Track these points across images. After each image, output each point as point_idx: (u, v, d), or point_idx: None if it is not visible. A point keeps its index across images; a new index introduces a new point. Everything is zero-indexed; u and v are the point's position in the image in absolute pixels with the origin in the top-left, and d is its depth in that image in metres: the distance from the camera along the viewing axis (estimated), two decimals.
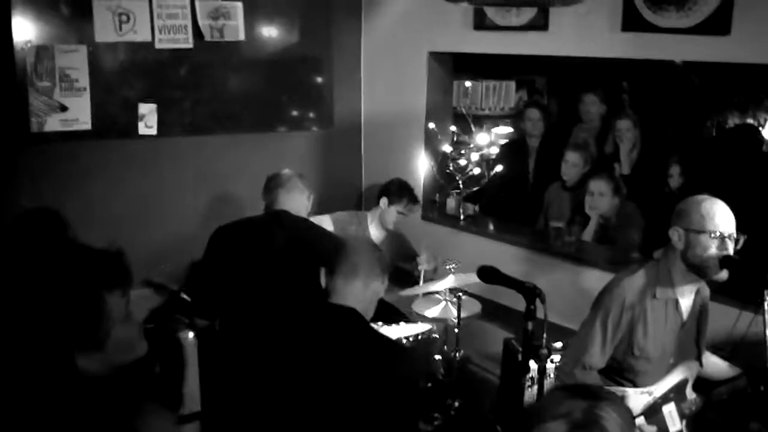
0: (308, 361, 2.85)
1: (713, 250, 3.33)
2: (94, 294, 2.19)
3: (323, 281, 3.10)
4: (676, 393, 3.55)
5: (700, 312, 3.69)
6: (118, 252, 2.36)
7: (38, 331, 2.16)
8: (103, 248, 2.36)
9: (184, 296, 4.19)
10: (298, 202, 4.37)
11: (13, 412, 2.06)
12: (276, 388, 2.86)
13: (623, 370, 3.56)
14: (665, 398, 3.53)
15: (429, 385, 4.58)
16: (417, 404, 3.47)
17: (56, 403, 2.09)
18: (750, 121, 8.04)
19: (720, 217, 3.34)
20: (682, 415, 3.55)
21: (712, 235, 3.32)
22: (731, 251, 3.35)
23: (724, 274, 3.40)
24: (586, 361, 3.49)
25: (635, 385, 3.56)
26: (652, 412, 3.50)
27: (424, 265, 5.34)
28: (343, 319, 2.97)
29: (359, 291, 3.04)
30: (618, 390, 3.47)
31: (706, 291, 3.69)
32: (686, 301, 3.58)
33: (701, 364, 3.66)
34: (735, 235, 3.37)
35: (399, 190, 5.54)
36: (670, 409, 3.52)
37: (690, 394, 3.58)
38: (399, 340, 4.44)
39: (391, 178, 5.76)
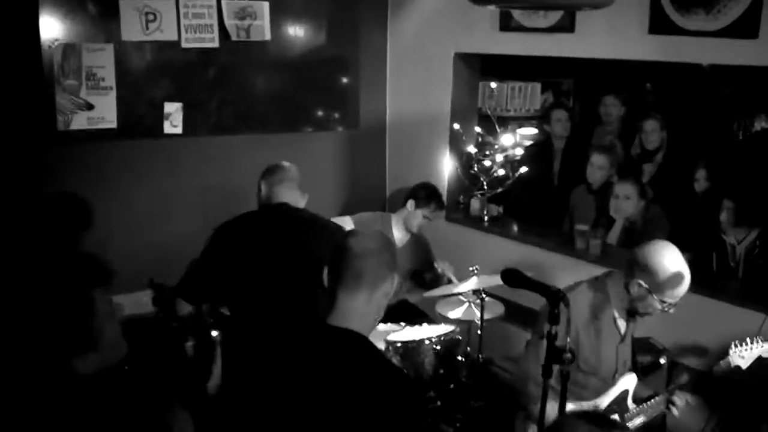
0: (307, 393, 2.60)
1: (657, 311, 3.52)
2: (82, 292, 2.17)
3: (326, 281, 2.79)
4: (618, 405, 3.65)
5: (634, 327, 3.81)
6: (93, 253, 2.33)
7: (32, 338, 2.14)
8: (81, 250, 2.33)
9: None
10: (296, 196, 4.29)
11: (16, 419, 2.05)
12: (275, 417, 2.64)
13: (572, 384, 3.57)
14: (608, 410, 3.62)
15: (451, 386, 4.58)
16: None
17: (55, 407, 2.08)
18: None
19: (682, 292, 3.47)
20: None
21: (669, 304, 3.49)
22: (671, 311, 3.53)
23: (648, 317, 3.61)
24: (537, 376, 3.49)
25: (581, 399, 3.64)
26: None
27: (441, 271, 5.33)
28: (346, 349, 2.67)
29: (363, 304, 2.70)
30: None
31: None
32: (621, 319, 3.69)
33: (638, 376, 3.77)
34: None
35: (428, 195, 5.48)
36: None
37: (630, 404, 3.64)
38: (421, 341, 4.44)
39: (419, 181, 5.71)
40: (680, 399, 3.60)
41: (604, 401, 3.62)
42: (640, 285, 3.47)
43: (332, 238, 3.91)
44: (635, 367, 3.82)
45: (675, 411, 3.60)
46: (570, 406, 3.55)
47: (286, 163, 4.38)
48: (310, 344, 2.69)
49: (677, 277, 3.44)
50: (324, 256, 2.84)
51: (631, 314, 3.66)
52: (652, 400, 3.66)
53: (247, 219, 4.21)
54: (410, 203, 5.44)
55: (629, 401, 3.66)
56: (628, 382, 3.69)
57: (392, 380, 2.68)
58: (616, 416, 3.59)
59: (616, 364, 3.69)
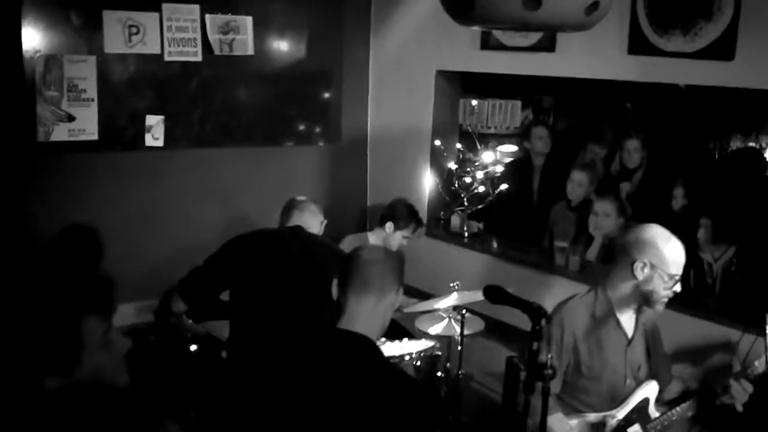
0: (314, 394, 2.67)
1: (668, 290, 3.50)
2: (68, 317, 2.14)
3: (334, 293, 2.92)
4: (639, 414, 3.60)
5: (648, 331, 3.78)
6: (107, 279, 2.30)
7: (6, 349, 2.13)
8: (95, 274, 2.31)
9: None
10: (310, 222, 4.43)
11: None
12: (279, 419, 2.70)
13: (579, 392, 3.59)
14: (628, 420, 3.58)
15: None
16: None
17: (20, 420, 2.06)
18: (753, 144, 8.08)
19: (682, 260, 3.52)
20: None
21: (676, 278, 3.49)
22: (678, 289, 3.53)
23: (661, 308, 3.57)
24: (537, 387, 3.50)
25: (596, 410, 3.61)
26: None
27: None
28: (353, 350, 2.76)
29: (370, 310, 2.83)
30: (580, 417, 3.51)
31: (649, 312, 3.72)
32: (627, 320, 3.68)
33: (659, 383, 3.72)
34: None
35: (407, 216, 5.48)
36: (635, 431, 3.56)
37: (653, 413, 3.62)
38: (402, 356, 4.45)
39: (395, 199, 5.73)
40: (744, 386, 3.53)
41: (623, 411, 3.57)
42: (644, 264, 3.46)
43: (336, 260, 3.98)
44: (657, 375, 3.74)
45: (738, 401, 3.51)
46: (590, 417, 3.55)
47: (302, 196, 4.62)
48: (318, 346, 2.80)
49: (674, 244, 3.49)
50: (322, 277, 2.94)
51: (640, 310, 3.63)
52: (678, 408, 3.59)
53: (259, 235, 4.32)
54: (389, 226, 5.44)
55: (651, 409, 3.61)
56: (649, 390, 3.63)
57: (398, 379, 2.80)
58: (637, 426, 3.57)
59: (625, 369, 3.64)
